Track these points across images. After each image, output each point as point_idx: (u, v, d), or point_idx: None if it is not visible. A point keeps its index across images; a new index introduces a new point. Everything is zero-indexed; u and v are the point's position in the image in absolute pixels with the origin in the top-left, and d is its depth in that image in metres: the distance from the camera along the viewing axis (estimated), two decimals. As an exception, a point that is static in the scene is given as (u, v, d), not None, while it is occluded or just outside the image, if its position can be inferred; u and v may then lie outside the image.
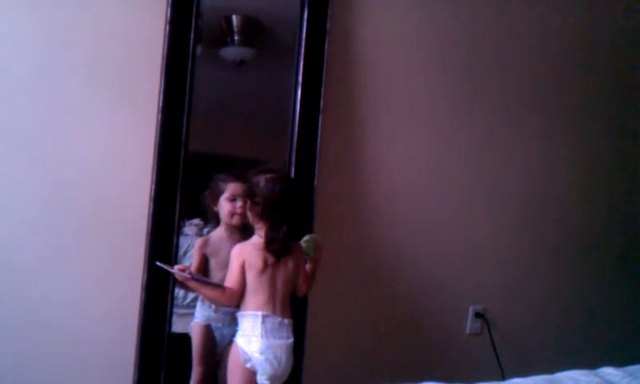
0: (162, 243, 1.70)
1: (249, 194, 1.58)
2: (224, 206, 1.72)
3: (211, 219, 1.80)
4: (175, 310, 1.74)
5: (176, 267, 1.55)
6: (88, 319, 1.72)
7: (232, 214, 1.71)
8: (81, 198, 1.70)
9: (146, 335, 1.69)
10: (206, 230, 1.84)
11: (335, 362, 2.03)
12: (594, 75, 2.49)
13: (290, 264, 1.60)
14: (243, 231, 1.71)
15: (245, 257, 1.56)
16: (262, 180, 1.56)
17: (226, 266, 1.61)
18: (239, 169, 1.71)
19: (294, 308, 1.63)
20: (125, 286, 1.72)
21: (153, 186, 1.70)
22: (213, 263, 1.72)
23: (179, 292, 1.77)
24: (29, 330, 1.66)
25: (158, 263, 1.59)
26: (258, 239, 1.57)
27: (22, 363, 1.66)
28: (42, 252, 1.67)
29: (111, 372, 1.72)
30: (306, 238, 1.69)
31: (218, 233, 1.76)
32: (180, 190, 1.72)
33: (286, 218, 1.54)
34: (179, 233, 1.74)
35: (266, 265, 1.55)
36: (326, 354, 1.99)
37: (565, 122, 2.44)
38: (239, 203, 1.70)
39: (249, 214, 1.59)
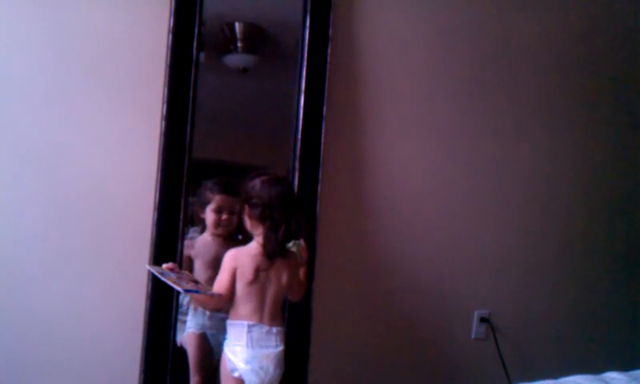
0: (166, 250, 1.71)
1: (245, 200, 1.57)
2: (209, 216, 1.78)
3: (198, 224, 1.84)
4: (180, 317, 1.75)
5: (164, 266, 1.52)
6: (93, 326, 1.73)
7: (217, 225, 1.78)
8: (85, 205, 1.71)
9: (151, 342, 1.70)
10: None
11: (340, 368, 2.03)
12: (596, 76, 2.48)
13: (285, 271, 1.58)
14: (228, 238, 1.77)
15: (237, 264, 1.54)
16: (257, 183, 1.55)
17: (210, 267, 1.65)
18: (227, 178, 1.74)
19: (298, 315, 1.63)
20: (129, 293, 1.73)
21: (157, 193, 1.71)
22: (197, 264, 1.78)
23: (183, 299, 1.77)
24: (33, 338, 1.67)
25: (147, 266, 1.62)
26: (255, 245, 1.56)
27: (26, 370, 1.67)
28: (46, 259, 1.69)
29: (116, 379, 1.73)
30: (291, 244, 1.66)
31: (204, 237, 1.81)
32: (184, 197, 1.73)
33: (284, 218, 1.53)
34: (183, 239, 1.75)
35: (257, 274, 1.53)
36: (331, 360, 1.99)
37: (568, 123, 2.43)
38: (224, 216, 1.77)
39: (246, 219, 1.58)
